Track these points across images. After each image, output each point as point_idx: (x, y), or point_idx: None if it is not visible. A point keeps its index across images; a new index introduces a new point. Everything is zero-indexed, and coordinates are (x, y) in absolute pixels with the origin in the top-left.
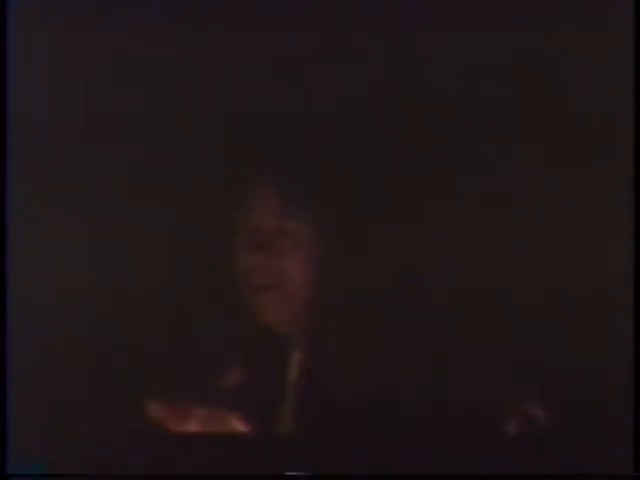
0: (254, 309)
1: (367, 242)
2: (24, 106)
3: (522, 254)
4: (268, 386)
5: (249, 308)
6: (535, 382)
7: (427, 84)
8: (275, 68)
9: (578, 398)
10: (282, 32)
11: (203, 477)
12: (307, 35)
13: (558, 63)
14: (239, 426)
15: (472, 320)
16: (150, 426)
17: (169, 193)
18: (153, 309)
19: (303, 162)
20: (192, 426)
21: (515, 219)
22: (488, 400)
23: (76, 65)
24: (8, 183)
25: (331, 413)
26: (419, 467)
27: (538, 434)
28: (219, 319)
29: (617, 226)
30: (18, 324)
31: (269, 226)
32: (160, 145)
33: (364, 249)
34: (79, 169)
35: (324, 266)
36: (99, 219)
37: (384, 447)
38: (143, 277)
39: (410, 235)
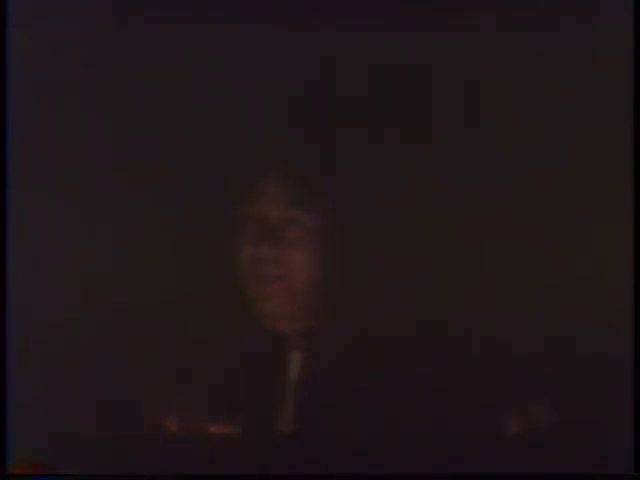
0: (258, 303)
1: (373, 238)
2: (24, 104)
3: (522, 254)
4: (269, 384)
5: (253, 302)
6: (535, 382)
7: (435, 81)
8: (287, 61)
9: (578, 398)
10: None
11: (203, 477)
12: (308, 35)
13: (557, 62)
14: (239, 424)
15: (473, 319)
16: (150, 426)
17: (175, 185)
18: (153, 305)
19: (313, 153)
20: (191, 425)
21: (516, 220)
22: (488, 400)
23: (76, 64)
24: (8, 183)
25: (331, 412)
26: (419, 467)
27: (538, 434)
28: (221, 317)
29: (617, 225)
30: (18, 323)
31: (277, 217)
32: (166, 138)
33: (372, 245)
34: (79, 168)
35: (331, 260)
36: (103, 210)
37: (384, 447)
38: (144, 273)
39: (420, 231)
